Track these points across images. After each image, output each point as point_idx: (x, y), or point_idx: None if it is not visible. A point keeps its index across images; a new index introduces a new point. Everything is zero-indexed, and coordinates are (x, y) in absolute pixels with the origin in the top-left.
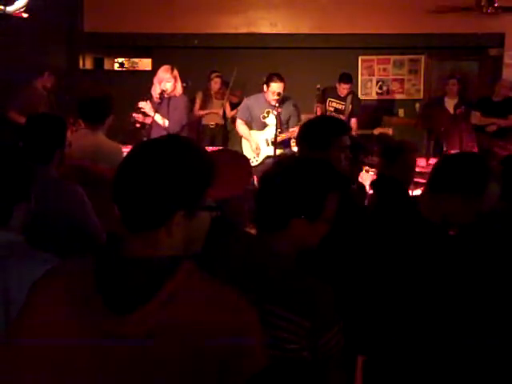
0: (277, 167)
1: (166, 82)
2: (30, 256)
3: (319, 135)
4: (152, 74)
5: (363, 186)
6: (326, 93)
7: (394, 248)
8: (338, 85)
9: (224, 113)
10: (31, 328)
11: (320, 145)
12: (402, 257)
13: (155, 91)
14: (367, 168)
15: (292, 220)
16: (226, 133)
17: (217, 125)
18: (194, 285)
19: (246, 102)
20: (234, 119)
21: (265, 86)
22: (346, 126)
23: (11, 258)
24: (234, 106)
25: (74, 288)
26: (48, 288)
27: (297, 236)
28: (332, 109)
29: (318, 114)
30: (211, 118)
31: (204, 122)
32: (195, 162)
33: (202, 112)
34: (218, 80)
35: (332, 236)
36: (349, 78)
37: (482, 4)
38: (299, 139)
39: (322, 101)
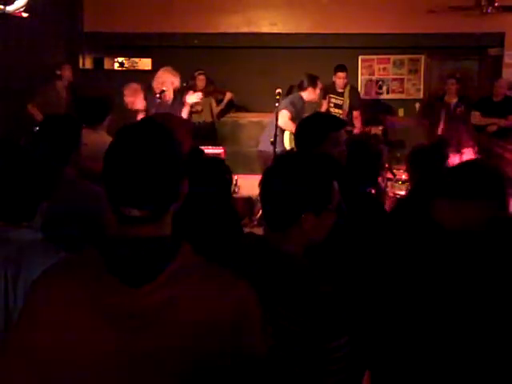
0: (277, 164)
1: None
2: (48, 254)
3: (311, 131)
4: (152, 73)
5: (381, 190)
6: (326, 89)
7: (407, 254)
8: (334, 78)
9: (211, 110)
10: (47, 323)
11: (313, 141)
12: (415, 263)
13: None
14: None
15: (302, 215)
16: (215, 130)
17: (205, 122)
18: (197, 262)
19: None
20: (219, 114)
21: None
22: (338, 121)
23: (32, 255)
24: (218, 103)
25: (85, 273)
26: (59, 281)
27: (307, 231)
28: (332, 104)
29: (324, 109)
30: (198, 115)
31: (192, 119)
32: (173, 140)
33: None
34: (202, 77)
35: (341, 231)
36: (342, 67)
37: (482, 4)
38: (295, 137)
39: (324, 97)
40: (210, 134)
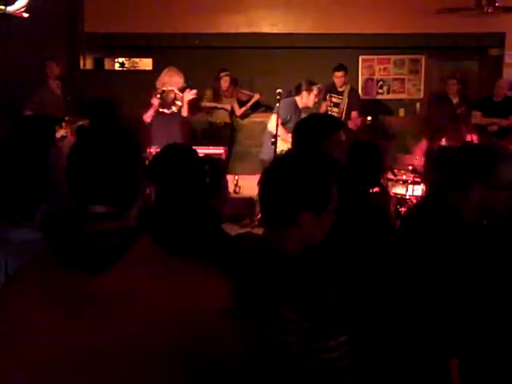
0: (277, 164)
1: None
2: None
3: (312, 131)
4: (152, 73)
5: (385, 189)
6: (327, 89)
7: (436, 255)
8: (333, 77)
9: (232, 111)
10: (12, 330)
11: (314, 141)
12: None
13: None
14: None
15: (301, 215)
16: (233, 131)
17: (225, 123)
18: (157, 254)
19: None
20: (242, 116)
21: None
22: (338, 121)
23: (32, 254)
24: (242, 104)
25: (44, 271)
26: (22, 283)
27: (306, 231)
28: (331, 104)
29: (323, 109)
30: (219, 115)
31: (212, 119)
32: (132, 142)
33: (211, 104)
34: (227, 78)
35: (340, 231)
36: (340, 66)
37: (483, 4)
38: (293, 138)
39: (325, 97)
40: (224, 135)
